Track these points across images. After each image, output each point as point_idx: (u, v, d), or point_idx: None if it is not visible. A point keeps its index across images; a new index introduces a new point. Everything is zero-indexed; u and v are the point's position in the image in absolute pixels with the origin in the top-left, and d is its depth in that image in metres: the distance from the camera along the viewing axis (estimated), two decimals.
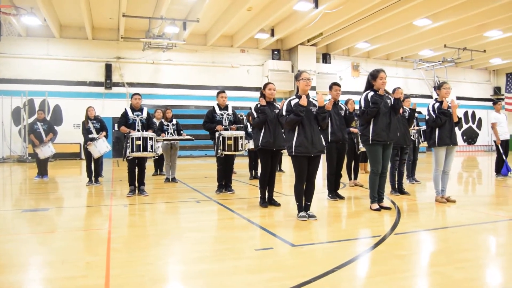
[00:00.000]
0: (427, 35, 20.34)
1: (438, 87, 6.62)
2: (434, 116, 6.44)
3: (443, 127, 6.38)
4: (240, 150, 7.38)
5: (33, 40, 19.68)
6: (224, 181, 7.78)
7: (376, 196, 5.92)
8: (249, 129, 9.94)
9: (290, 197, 6.93)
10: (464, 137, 28.43)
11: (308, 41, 22.21)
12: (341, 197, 6.97)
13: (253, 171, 10.45)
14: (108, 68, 20.66)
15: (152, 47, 19.65)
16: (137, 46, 20.32)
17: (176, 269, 3.58)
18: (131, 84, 20.96)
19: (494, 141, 10.37)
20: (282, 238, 4.39)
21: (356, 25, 19.06)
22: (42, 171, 10.64)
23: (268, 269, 3.44)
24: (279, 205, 6.29)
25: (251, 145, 9.86)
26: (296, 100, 5.31)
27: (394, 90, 6.31)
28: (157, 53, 20.97)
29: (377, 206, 5.86)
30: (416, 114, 8.79)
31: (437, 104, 6.51)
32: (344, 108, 7.11)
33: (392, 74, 24.87)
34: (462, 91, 27.99)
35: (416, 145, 8.99)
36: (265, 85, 6.50)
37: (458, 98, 26.22)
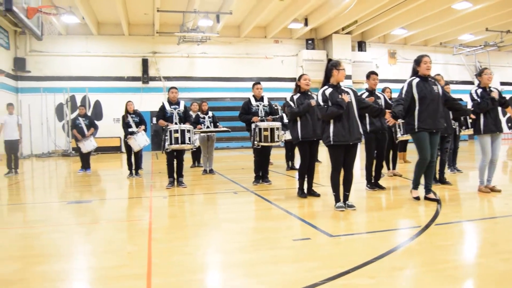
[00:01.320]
0: (467, 18, 19.56)
1: (479, 73, 6.35)
2: (478, 100, 6.18)
3: (488, 114, 6.12)
4: (277, 141, 7.39)
5: (73, 38, 20.30)
6: (261, 172, 7.82)
7: (419, 183, 5.74)
8: (285, 120, 9.92)
9: (328, 188, 6.88)
10: (509, 124, 27.29)
11: (343, 29, 21.84)
12: (382, 188, 6.85)
13: (290, 162, 10.44)
14: (145, 63, 21.09)
15: (187, 40, 19.86)
16: (172, 41, 20.59)
17: (214, 258, 3.65)
18: (167, 78, 21.30)
19: None
20: (320, 228, 4.38)
21: (392, 11, 18.57)
22: (85, 165, 11.01)
23: (306, 259, 3.45)
24: (318, 195, 6.25)
25: (287, 136, 9.83)
26: (330, 89, 5.26)
27: (434, 76, 6.11)
28: (191, 46, 21.17)
29: (418, 194, 5.70)
30: None
31: (479, 90, 6.27)
32: (381, 97, 6.96)
33: None
34: (506, 76, 26.81)
35: (457, 133, 8.71)
36: (300, 77, 6.49)
37: (502, 83, 25.18)
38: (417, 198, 5.69)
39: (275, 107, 8.79)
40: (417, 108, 5.54)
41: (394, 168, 8.65)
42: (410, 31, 22.07)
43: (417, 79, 5.59)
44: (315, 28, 22.53)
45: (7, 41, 18.60)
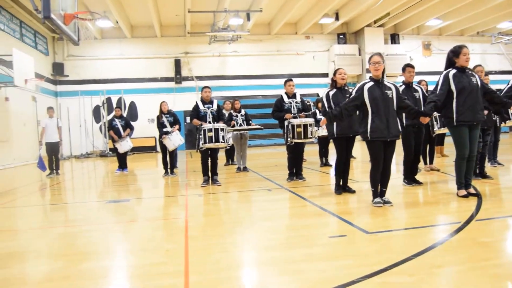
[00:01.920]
0: (506, 5, 18.80)
1: None
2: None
3: None
4: (310, 138, 7.34)
5: (108, 42, 20.87)
6: (295, 169, 7.79)
7: (463, 182, 5.49)
8: (318, 116, 9.85)
9: (363, 184, 6.80)
10: None
11: (375, 22, 21.46)
12: (419, 183, 6.69)
13: (323, 158, 10.36)
14: (177, 63, 21.42)
15: (218, 40, 20.02)
16: (204, 40, 20.81)
17: (250, 256, 3.66)
18: (200, 78, 21.57)
19: None
20: (356, 225, 4.32)
21: (425, 2, 18.10)
22: (122, 165, 11.28)
23: (342, 256, 3.41)
24: (354, 192, 6.18)
25: (320, 132, 9.76)
26: (371, 83, 5.17)
27: (474, 68, 5.91)
28: (223, 45, 21.34)
29: (465, 193, 5.42)
30: None
31: None
32: (419, 90, 6.78)
33: None
34: None
35: (498, 125, 8.39)
36: (336, 71, 6.42)
37: None
38: (465, 196, 5.40)
39: (308, 104, 8.73)
40: (455, 100, 5.32)
41: (431, 162, 8.44)
42: (445, 21, 21.43)
43: (454, 71, 5.38)
44: (347, 22, 22.23)
45: (46, 47, 19.31)
